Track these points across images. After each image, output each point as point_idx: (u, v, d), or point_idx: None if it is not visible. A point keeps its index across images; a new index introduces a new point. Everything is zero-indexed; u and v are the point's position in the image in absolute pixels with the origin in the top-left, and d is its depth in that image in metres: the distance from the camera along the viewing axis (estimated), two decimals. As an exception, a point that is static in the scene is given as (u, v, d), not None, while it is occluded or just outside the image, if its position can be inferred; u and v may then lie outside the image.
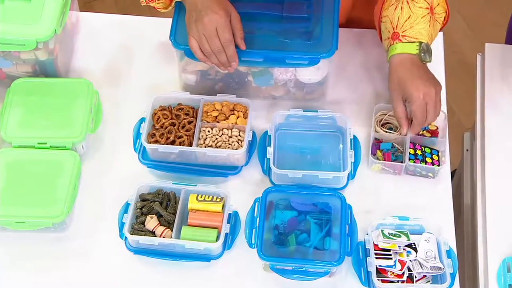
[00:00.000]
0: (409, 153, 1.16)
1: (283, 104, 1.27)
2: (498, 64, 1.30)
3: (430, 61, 1.15)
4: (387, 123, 1.20)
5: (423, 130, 1.18)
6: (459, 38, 2.25)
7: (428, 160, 1.16)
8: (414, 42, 1.13)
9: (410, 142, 1.16)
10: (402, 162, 1.16)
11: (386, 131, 1.18)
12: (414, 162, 1.15)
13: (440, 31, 1.22)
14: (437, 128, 1.20)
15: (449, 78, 2.05)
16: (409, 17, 1.14)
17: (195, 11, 1.11)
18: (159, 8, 1.23)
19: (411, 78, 1.11)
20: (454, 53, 2.23)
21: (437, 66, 1.26)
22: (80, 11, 1.38)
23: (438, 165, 1.15)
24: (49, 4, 1.21)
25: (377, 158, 1.16)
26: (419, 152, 1.17)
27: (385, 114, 1.20)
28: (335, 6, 1.21)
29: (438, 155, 1.17)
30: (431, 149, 1.18)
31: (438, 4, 1.17)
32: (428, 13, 1.16)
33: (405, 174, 1.18)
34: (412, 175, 1.18)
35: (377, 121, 1.20)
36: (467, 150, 1.43)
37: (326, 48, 1.16)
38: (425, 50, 1.14)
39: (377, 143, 1.18)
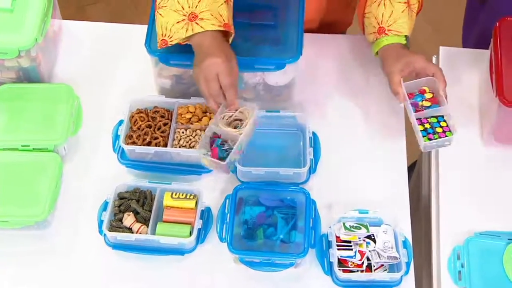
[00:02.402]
0: (420, 131, 1.12)
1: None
2: (452, 66, 1.32)
3: None
4: (237, 119, 1.12)
5: (421, 101, 1.16)
6: (422, 38, 2.27)
7: (439, 130, 1.13)
8: (399, 35, 1.19)
9: (416, 119, 1.13)
10: (223, 160, 1.06)
11: (225, 128, 1.09)
12: (428, 140, 1.11)
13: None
14: (433, 94, 1.16)
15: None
16: (391, 13, 1.19)
17: (200, 53, 1.08)
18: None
19: (410, 52, 1.18)
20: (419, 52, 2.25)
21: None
22: (73, 15, 1.38)
23: (450, 131, 1.12)
24: (31, 14, 1.22)
25: (205, 154, 1.08)
26: (427, 126, 1.13)
27: (236, 111, 1.11)
28: (299, 14, 1.22)
29: (445, 121, 1.14)
30: (436, 117, 1.15)
31: None
32: (407, 6, 1.21)
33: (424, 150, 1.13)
34: (430, 150, 1.15)
35: (224, 116, 1.11)
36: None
37: (291, 54, 1.18)
38: (409, 43, 1.21)
39: (215, 137, 1.10)
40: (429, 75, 1.16)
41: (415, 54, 1.17)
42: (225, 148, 1.10)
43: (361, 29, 1.27)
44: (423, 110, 1.15)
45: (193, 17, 1.08)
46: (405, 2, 1.20)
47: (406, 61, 1.16)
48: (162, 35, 1.12)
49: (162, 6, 1.11)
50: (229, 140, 1.10)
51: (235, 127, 1.11)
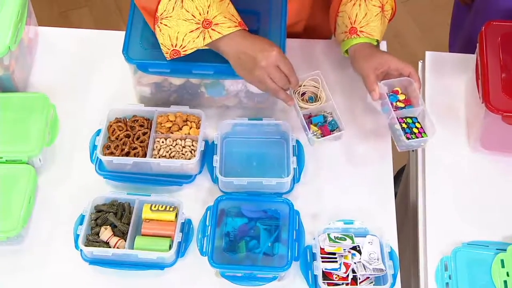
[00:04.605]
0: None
1: (237, 113, 1.24)
2: (438, 71, 1.29)
3: None
4: (304, 93, 1.14)
5: (395, 101, 1.13)
6: (412, 40, 2.26)
7: (415, 130, 1.11)
8: (371, 38, 1.17)
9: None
10: (339, 129, 1.10)
11: (311, 105, 1.12)
12: (408, 139, 1.09)
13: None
14: (406, 96, 1.14)
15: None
16: (365, 15, 1.17)
17: (247, 56, 1.05)
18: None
19: (383, 52, 1.18)
20: (409, 55, 2.24)
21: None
22: (56, 20, 1.33)
23: (424, 132, 1.10)
24: (3, 22, 1.17)
25: (315, 134, 1.11)
26: (404, 125, 1.11)
27: (301, 86, 1.14)
28: (282, 20, 1.19)
29: (419, 122, 1.12)
30: (411, 118, 1.12)
31: (387, 2, 1.21)
32: (381, 11, 1.19)
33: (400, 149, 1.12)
34: (406, 150, 1.13)
35: (297, 97, 1.13)
36: (413, 150, 1.41)
37: (274, 60, 1.14)
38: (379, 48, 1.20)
39: (308, 119, 1.12)
40: (404, 75, 1.13)
41: (389, 55, 1.16)
42: (325, 120, 1.12)
43: (332, 28, 1.23)
44: (397, 110, 1.12)
45: (207, 24, 1.05)
46: (380, 7, 1.18)
47: (380, 60, 1.14)
48: (172, 45, 1.07)
49: (167, 17, 1.06)
50: (318, 113, 1.13)
51: (307, 100, 1.14)
